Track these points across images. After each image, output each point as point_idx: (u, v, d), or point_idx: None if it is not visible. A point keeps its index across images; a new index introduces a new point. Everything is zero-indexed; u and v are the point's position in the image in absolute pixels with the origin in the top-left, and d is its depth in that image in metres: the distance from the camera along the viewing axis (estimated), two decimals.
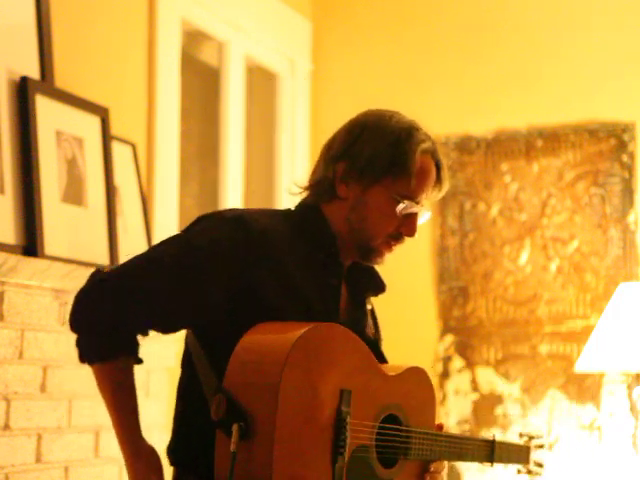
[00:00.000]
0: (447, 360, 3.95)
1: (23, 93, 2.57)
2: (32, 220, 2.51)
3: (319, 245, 1.91)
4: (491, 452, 2.19)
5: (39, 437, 2.52)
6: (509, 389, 3.85)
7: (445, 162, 1.97)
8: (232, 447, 1.59)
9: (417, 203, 1.91)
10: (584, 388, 3.76)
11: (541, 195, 3.91)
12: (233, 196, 3.80)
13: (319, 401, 1.67)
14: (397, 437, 1.86)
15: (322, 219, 1.93)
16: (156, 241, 3.13)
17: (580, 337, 3.74)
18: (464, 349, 3.94)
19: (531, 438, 2.38)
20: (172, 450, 1.87)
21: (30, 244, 2.49)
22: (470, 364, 3.92)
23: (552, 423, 3.78)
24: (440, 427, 2.04)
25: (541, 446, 2.40)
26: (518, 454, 2.35)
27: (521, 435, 2.39)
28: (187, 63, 3.64)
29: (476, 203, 4.00)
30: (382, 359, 1.99)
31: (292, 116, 4.20)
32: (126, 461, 1.82)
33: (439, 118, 4.05)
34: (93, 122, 2.83)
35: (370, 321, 2.05)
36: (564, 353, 3.81)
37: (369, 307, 2.05)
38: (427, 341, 3.98)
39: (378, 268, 2.04)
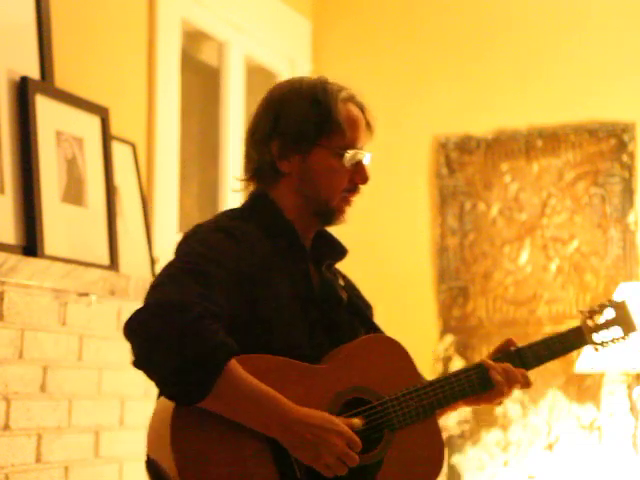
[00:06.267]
0: (447, 360, 3.95)
1: (23, 93, 2.57)
2: (32, 220, 2.51)
3: (278, 233, 1.92)
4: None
5: (39, 437, 2.52)
6: None
7: (366, 104, 2.01)
8: None
9: (360, 149, 1.94)
10: (584, 388, 3.75)
11: (541, 195, 3.91)
12: (233, 196, 3.80)
13: None
14: (369, 416, 1.81)
15: (274, 206, 1.93)
16: (156, 240, 3.13)
17: None
18: (464, 349, 3.94)
19: (593, 312, 2.12)
20: None
21: (30, 244, 2.49)
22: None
23: (552, 423, 3.78)
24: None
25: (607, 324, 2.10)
26: (560, 344, 2.09)
27: (582, 312, 2.13)
28: (187, 63, 3.64)
29: (476, 203, 4.00)
30: (367, 322, 1.99)
31: None
32: (294, 432, 1.70)
33: (439, 118, 4.05)
34: (93, 122, 2.83)
35: (342, 283, 2.03)
36: None
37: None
38: (427, 341, 3.98)
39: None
